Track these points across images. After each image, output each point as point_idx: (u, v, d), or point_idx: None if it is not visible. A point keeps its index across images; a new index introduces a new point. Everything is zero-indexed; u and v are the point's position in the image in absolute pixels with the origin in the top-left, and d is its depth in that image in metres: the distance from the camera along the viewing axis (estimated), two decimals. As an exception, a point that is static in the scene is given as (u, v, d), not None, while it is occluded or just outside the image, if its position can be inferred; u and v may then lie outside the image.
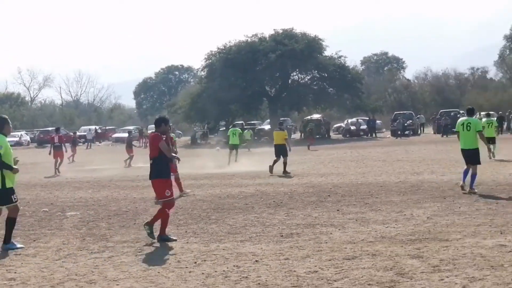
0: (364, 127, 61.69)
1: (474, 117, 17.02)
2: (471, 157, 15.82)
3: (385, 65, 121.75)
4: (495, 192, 15.18)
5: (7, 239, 10.46)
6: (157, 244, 10.36)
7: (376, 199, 14.82)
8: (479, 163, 15.91)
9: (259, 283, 7.61)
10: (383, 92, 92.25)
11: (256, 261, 8.79)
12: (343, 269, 8.05)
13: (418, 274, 7.63)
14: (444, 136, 53.69)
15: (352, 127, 61.99)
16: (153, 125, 11.32)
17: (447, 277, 7.43)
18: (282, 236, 10.63)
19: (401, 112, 66.13)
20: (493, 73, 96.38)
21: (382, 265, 8.16)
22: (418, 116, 67.20)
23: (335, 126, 69.10)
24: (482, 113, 59.35)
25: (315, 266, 8.31)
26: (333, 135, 64.68)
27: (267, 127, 62.58)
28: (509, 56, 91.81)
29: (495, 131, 28.48)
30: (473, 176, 15.59)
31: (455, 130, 16.84)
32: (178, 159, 11.75)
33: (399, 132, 56.81)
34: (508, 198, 14.00)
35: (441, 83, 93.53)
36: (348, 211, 13.11)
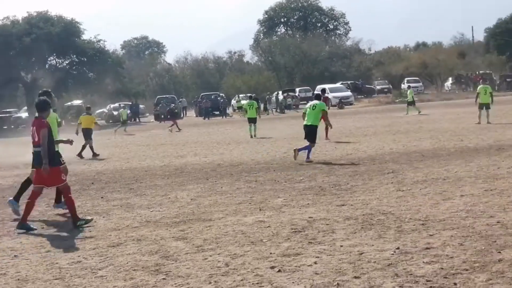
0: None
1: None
2: (309, 133, 17.21)
3: (145, 49, 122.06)
4: (254, 170, 15.89)
5: (17, 197, 11.22)
6: None
7: (141, 184, 14.80)
8: (314, 142, 17.25)
9: (18, 279, 7.20)
10: (145, 77, 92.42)
11: (15, 256, 8.32)
12: (107, 257, 7.90)
13: (183, 255, 7.73)
14: (206, 119, 55.22)
15: (115, 113, 61.33)
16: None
17: (211, 255, 7.61)
18: (43, 228, 10.17)
19: (164, 96, 66.80)
20: (249, 56, 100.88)
21: (147, 249, 8.15)
22: (180, 99, 68.35)
23: (97, 111, 67.91)
24: (241, 95, 62.16)
25: (79, 256, 8.06)
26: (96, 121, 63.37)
27: (24, 115, 59.63)
28: (263, 40, 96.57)
29: (256, 112, 30.02)
30: (308, 148, 16.94)
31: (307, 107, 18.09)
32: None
33: (162, 116, 57.35)
34: (265, 176, 14.73)
35: (201, 67, 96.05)
36: (112, 198, 12.92)
